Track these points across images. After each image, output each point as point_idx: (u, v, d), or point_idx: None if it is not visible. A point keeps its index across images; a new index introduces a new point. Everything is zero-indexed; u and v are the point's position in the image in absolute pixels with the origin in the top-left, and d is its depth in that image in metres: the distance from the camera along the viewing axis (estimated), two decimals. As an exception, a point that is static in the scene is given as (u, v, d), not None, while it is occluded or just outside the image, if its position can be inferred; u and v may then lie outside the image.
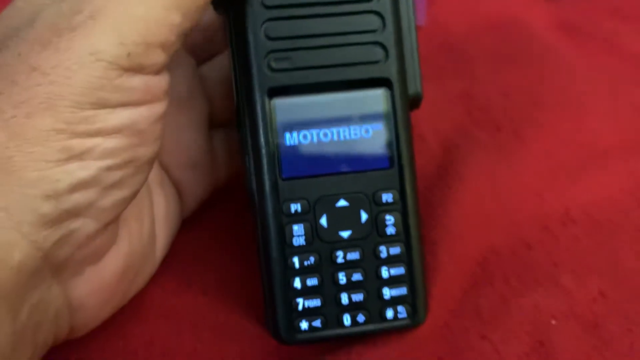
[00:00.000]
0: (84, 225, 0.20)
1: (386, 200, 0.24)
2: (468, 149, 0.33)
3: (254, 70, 0.23)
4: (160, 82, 0.21)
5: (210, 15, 0.27)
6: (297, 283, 0.24)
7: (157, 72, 0.21)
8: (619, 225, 0.31)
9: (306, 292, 0.24)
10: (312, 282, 0.24)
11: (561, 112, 0.35)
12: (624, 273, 0.29)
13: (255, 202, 0.24)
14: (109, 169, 0.20)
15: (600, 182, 0.33)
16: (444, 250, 0.29)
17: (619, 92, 0.37)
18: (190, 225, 0.29)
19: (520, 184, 0.32)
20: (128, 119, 0.20)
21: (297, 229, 0.23)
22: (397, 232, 0.24)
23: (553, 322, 0.27)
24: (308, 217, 0.24)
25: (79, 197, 0.20)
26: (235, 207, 0.30)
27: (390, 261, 0.24)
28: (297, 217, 0.24)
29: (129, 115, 0.20)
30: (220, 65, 0.29)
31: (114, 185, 0.21)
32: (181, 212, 0.28)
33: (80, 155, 0.20)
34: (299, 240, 0.24)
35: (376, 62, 0.24)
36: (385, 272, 0.24)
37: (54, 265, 0.20)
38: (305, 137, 0.24)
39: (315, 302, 0.24)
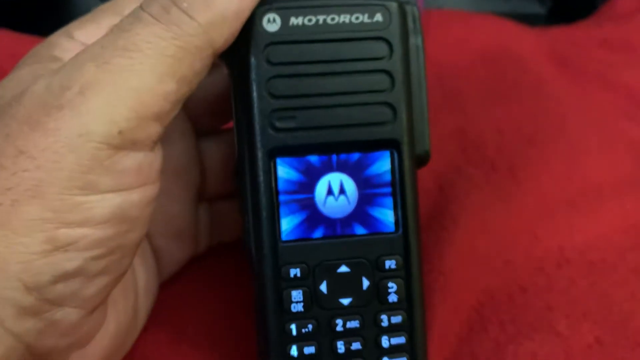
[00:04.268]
0: (68, 315, 0.20)
1: (389, 267, 0.23)
2: (463, 188, 0.33)
3: (257, 129, 0.22)
4: (154, 161, 0.21)
5: (218, 86, 0.27)
6: (294, 351, 0.23)
7: (151, 147, 0.20)
8: (613, 266, 0.31)
9: None
10: (309, 350, 0.23)
11: (554, 149, 0.35)
12: (618, 316, 0.29)
13: (253, 263, 0.23)
14: (95, 258, 0.19)
15: (594, 221, 0.33)
16: (439, 295, 0.29)
17: (611, 127, 0.37)
18: (182, 275, 0.28)
19: (515, 223, 0.32)
20: (118, 207, 0.19)
21: (296, 294, 0.23)
22: (399, 299, 0.23)
23: (549, 372, 0.27)
24: (307, 282, 0.23)
25: (62, 288, 0.19)
26: (229, 258, 0.30)
27: (391, 330, 0.23)
28: (296, 282, 0.23)
29: (120, 203, 0.20)
30: (223, 143, 0.29)
31: (99, 273, 0.20)
32: (159, 280, 0.27)
33: (65, 247, 0.19)
34: (297, 307, 0.23)
35: (384, 123, 0.23)
36: (385, 342, 0.23)
37: (38, 355, 0.20)
38: (307, 198, 0.23)
39: None
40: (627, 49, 0.42)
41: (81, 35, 0.23)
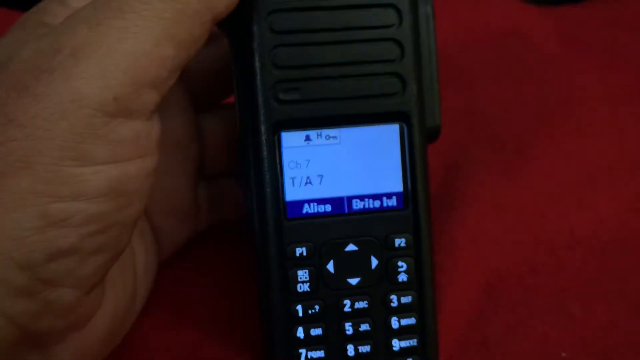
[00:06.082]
0: (64, 295, 0.18)
1: (399, 245, 0.22)
2: (471, 168, 0.32)
3: (260, 102, 0.21)
4: (151, 131, 0.19)
5: (217, 59, 0.26)
6: (300, 333, 0.22)
7: (148, 116, 0.19)
8: (626, 246, 0.30)
9: (309, 342, 0.22)
10: (316, 332, 0.22)
11: (564, 128, 0.34)
12: (632, 298, 0.28)
13: (257, 242, 0.22)
14: (91, 235, 0.18)
15: (604, 201, 0.32)
16: (448, 276, 0.28)
17: (620, 105, 0.36)
18: (182, 255, 0.27)
19: (524, 204, 0.31)
20: (115, 180, 0.18)
21: (302, 274, 0.22)
22: (409, 279, 0.22)
23: (563, 354, 0.26)
24: (314, 261, 0.22)
25: (56, 267, 0.18)
26: (229, 238, 0.29)
27: (401, 310, 0.22)
28: (301, 262, 0.22)
29: (116, 175, 0.18)
30: (221, 118, 0.27)
31: (96, 251, 0.19)
32: (158, 259, 0.26)
33: (59, 222, 0.17)
34: (303, 287, 0.22)
35: (393, 94, 0.22)
36: (395, 323, 0.22)
37: (33, 337, 0.19)
38: (313, 173, 0.22)
39: (319, 354, 0.22)
40: (634, 28, 0.42)
41: (73, 1, 0.22)
